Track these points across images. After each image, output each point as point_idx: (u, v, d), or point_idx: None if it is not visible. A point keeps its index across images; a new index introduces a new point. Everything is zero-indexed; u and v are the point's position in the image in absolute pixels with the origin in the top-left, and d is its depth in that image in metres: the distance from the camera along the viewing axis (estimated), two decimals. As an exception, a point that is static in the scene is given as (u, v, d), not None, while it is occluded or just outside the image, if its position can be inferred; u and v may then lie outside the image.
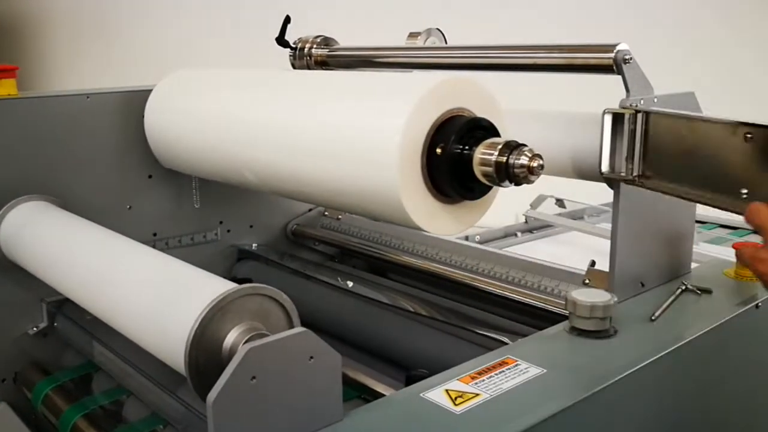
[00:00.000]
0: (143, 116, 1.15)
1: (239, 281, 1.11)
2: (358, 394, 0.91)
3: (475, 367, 0.72)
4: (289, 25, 1.22)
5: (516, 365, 0.72)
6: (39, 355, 1.13)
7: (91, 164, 1.15)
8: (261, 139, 0.92)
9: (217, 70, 1.15)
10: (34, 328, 1.12)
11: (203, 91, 1.09)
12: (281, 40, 1.23)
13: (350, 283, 1.23)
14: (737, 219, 1.88)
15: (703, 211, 1.04)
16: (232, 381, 0.54)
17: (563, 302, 0.92)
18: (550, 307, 0.97)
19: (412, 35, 1.23)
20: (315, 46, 1.25)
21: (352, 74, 1.10)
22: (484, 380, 0.69)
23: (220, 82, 1.09)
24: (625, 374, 0.71)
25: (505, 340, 0.91)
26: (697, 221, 1.31)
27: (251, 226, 1.37)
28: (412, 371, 0.82)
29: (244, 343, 0.60)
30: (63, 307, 1.11)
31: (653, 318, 0.84)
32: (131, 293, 0.75)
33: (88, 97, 1.14)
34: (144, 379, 0.91)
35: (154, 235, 1.23)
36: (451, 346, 0.98)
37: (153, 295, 0.72)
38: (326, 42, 1.26)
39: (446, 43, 1.22)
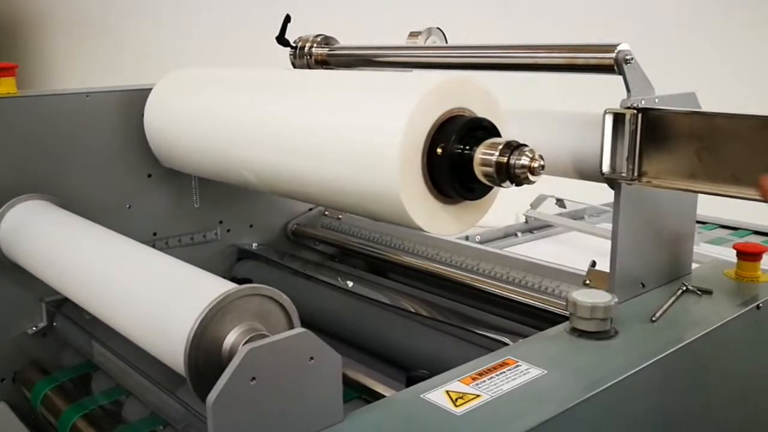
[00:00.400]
0: (143, 115, 1.14)
1: (239, 281, 1.11)
2: (358, 394, 0.91)
3: (476, 368, 0.71)
4: (289, 24, 1.22)
5: (517, 366, 0.72)
6: (38, 354, 1.13)
7: (90, 163, 1.14)
8: (261, 139, 0.92)
9: (217, 69, 1.15)
10: (34, 328, 1.12)
11: (203, 90, 1.08)
12: (281, 39, 1.23)
13: (350, 283, 1.23)
14: (738, 219, 1.87)
15: (703, 211, 1.03)
16: (231, 382, 0.54)
17: (564, 303, 0.92)
18: (550, 308, 0.97)
19: (413, 34, 1.23)
20: (315, 45, 1.25)
21: (353, 74, 1.10)
22: (484, 381, 0.69)
23: (220, 81, 1.09)
24: (625, 375, 0.71)
25: (506, 340, 0.90)
26: (698, 222, 1.31)
27: (251, 226, 1.36)
28: (412, 372, 0.82)
29: (244, 343, 0.60)
30: (62, 306, 1.11)
31: (654, 319, 0.84)
32: (130, 293, 0.74)
33: (87, 96, 1.13)
34: (143, 379, 0.91)
35: (154, 234, 1.23)
36: (452, 347, 0.98)
37: (152, 296, 0.71)
38: (326, 41, 1.26)
39: (447, 42, 1.22)
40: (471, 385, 0.68)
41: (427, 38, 1.24)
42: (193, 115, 1.05)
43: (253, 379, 0.55)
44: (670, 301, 0.88)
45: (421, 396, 0.66)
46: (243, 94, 1.00)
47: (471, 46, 1.05)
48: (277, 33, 1.23)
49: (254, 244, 1.37)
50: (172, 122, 1.09)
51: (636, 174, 0.85)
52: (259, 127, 0.92)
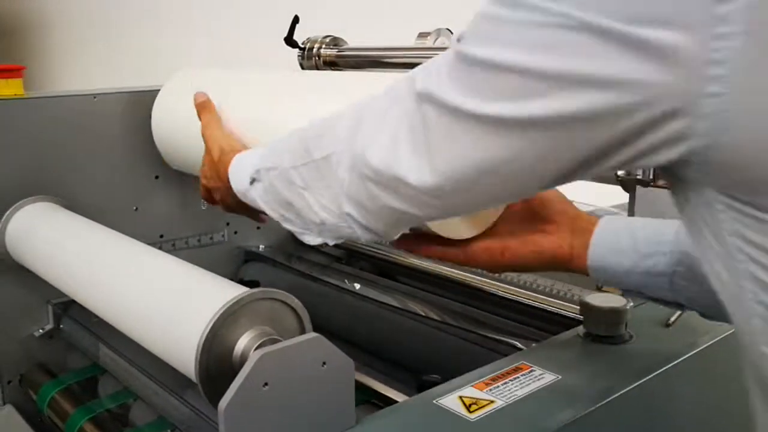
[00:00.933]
0: (150, 116, 1.14)
1: (246, 283, 1.10)
2: (366, 398, 0.90)
3: (489, 373, 0.70)
4: (297, 25, 1.21)
5: (530, 371, 0.71)
6: (45, 357, 1.12)
7: (97, 165, 1.14)
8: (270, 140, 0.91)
9: (226, 69, 1.14)
10: (40, 330, 1.11)
11: (212, 90, 1.07)
12: (290, 40, 1.22)
13: (357, 285, 1.22)
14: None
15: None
16: (244, 387, 0.53)
17: (576, 306, 0.91)
18: (562, 311, 0.96)
19: (422, 35, 1.22)
20: (324, 46, 1.24)
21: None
22: (498, 386, 0.68)
23: (229, 81, 1.08)
24: (642, 380, 0.70)
25: (517, 344, 0.89)
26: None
27: (258, 228, 1.36)
28: (424, 376, 0.81)
29: (256, 348, 0.59)
30: (69, 308, 1.10)
31: (669, 323, 0.83)
32: (139, 296, 0.73)
33: (94, 97, 1.13)
34: (151, 382, 0.90)
35: (161, 236, 1.22)
36: (461, 350, 0.97)
37: (162, 299, 0.70)
38: (335, 42, 1.25)
39: (455, 43, 1.21)
40: (485, 390, 0.67)
41: (436, 39, 1.23)
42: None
43: (266, 384, 0.54)
44: (685, 305, 0.86)
45: (434, 401, 0.65)
46: (252, 95, 0.99)
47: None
48: (281, 32, 1.22)
49: (261, 246, 1.36)
50: (180, 123, 1.08)
51: (651, 176, 0.83)
52: (268, 128, 0.91)
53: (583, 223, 0.69)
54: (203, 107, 0.93)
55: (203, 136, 0.87)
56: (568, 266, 0.70)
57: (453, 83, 0.44)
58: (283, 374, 0.55)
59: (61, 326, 1.11)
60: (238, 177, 0.72)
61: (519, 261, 0.70)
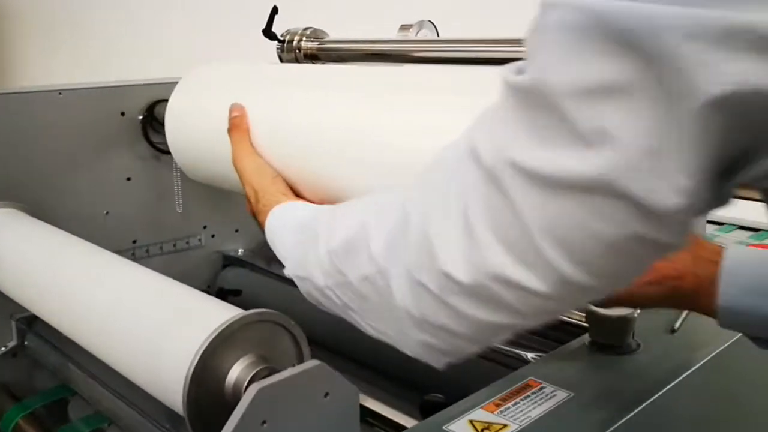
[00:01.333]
0: (122, 113, 1.06)
1: (227, 292, 1.03)
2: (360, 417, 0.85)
3: (498, 393, 0.66)
4: (276, 16, 1.15)
5: (541, 388, 0.67)
6: (8, 377, 1.04)
7: (63, 167, 1.06)
8: (314, 148, 0.78)
9: (258, 63, 1.03)
10: (3, 348, 1.03)
11: (247, 89, 0.91)
12: (268, 32, 1.16)
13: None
14: (759, 220, 1.81)
15: (720, 212, 0.99)
16: (240, 428, 0.47)
17: (576, 312, 0.87)
18: (563, 318, 0.92)
19: (404, 27, 1.18)
20: (304, 38, 1.18)
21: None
22: (509, 407, 0.63)
23: (265, 77, 0.95)
24: (657, 395, 0.66)
25: (520, 353, 0.85)
26: (714, 222, 1.27)
27: (237, 231, 1.29)
28: (425, 396, 0.76)
29: (251, 378, 0.53)
30: (34, 324, 1.02)
31: (675, 329, 0.80)
32: (116, 318, 0.67)
33: (60, 93, 1.05)
34: (125, 406, 0.83)
35: (134, 242, 1.15)
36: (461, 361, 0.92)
37: (144, 322, 0.64)
38: (315, 34, 1.20)
39: (438, 35, 1.17)
40: (496, 412, 0.62)
41: (418, 31, 1.19)
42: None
43: (264, 422, 0.48)
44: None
45: (444, 428, 0.60)
46: (298, 94, 0.86)
47: (465, 39, 1.00)
48: (258, 25, 1.17)
49: (240, 250, 1.29)
50: (203, 127, 0.92)
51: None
52: (318, 133, 0.79)
53: (706, 252, 0.59)
54: (234, 127, 0.81)
55: (234, 166, 0.78)
56: (694, 304, 0.60)
57: (529, 135, 0.32)
58: (283, 409, 0.50)
59: (26, 343, 1.03)
60: (275, 249, 0.67)
61: (635, 290, 0.60)
